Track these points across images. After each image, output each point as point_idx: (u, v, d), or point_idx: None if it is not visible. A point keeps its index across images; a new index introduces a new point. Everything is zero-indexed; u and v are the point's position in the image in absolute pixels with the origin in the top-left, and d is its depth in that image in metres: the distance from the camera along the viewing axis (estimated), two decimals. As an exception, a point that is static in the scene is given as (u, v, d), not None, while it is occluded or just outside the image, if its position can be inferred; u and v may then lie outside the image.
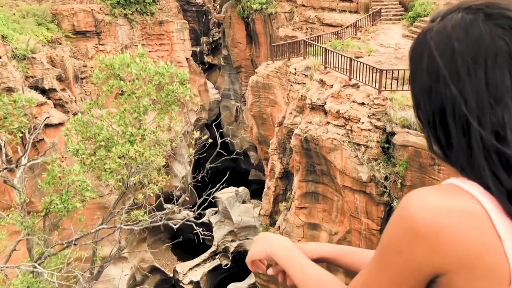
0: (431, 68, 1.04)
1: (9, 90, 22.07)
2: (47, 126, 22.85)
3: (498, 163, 0.96)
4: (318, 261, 1.51)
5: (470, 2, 1.05)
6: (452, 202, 0.95)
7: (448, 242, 0.93)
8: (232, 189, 33.20)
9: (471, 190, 0.97)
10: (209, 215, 33.77)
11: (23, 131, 7.50)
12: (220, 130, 9.27)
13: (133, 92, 6.63)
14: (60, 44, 30.30)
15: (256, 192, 36.39)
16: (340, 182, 16.49)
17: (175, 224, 6.95)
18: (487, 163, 0.96)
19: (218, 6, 51.39)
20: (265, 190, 23.87)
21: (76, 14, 31.66)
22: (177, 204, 7.92)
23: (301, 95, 18.52)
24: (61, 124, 24.15)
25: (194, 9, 47.13)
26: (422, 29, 1.13)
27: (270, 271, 1.50)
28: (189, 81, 7.86)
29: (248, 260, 1.51)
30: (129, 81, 6.78)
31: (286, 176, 22.41)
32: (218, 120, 32.47)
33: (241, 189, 34.20)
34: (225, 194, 32.65)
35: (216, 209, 34.08)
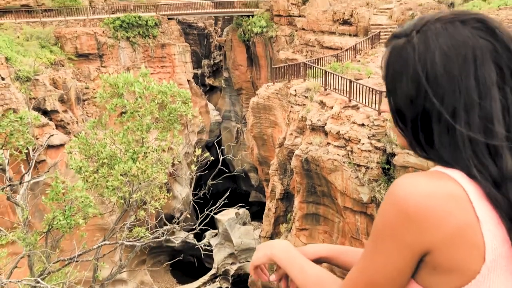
0: (417, 78, 1.11)
1: (12, 111, 22.23)
2: (49, 147, 22.94)
3: (486, 152, 1.06)
4: (318, 261, 1.57)
5: (437, 15, 1.14)
6: (438, 187, 1.04)
7: (435, 222, 1.02)
8: (232, 210, 33.05)
9: (455, 176, 1.06)
10: (209, 237, 33.52)
11: (28, 148, 7.58)
12: (222, 147, 9.31)
13: (136, 110, 6.72)
14: (63, 66, 30.64)
15: (257, 214, 36.20)
16: (341, 203, 16.45)
17: (176, 241, 6.96)
18: (475, 155, 1.06)
19: (219, 30, 52.18)
20: (265, 211, 23.78)
21: (79, 37, 32.11)
22: (178, 223, 7.92)
23: (302, 116, 18.64)
24: (62, 145, 24.23)
25: (195, 32, 47.82)
26: (391, 44, 1.20)
27: (273, 277, 1.56)
28: (192, 95, 8.00)
29: (251, 266, 1.56)
30: (132, 100, 6.89)
31: (287, 197, 22.36)
32: (219, 141, 32.58)
33: (242, 210, 34.03)
34: (226, 216, 32.48)
35: (216, 231, 33.84)
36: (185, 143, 33.77)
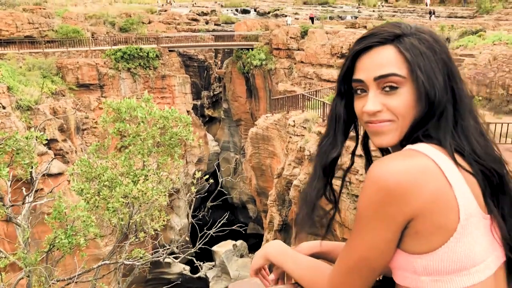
0: (447, 65, 1.32)
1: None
2: (47, 175, 22.87)
3: (459, 131, 1.27)
4: (313, 257, 1.62)
5: (400, 31, 1.31)
6: (411, 162, 1.18)
7: (414, 193, 1.15)
8: (229, 242, 32.68)
9: (424, 150, 1.21)
10: (206, 270, 33.00)
11: (32, 167, 7.67)
12: (220, 173, 9.35)
13: (138, 134, 6.83)
14: (64, 96, 30.94)
15: (255, 246, 35.77)
16: (339, 234, 16.33)
17: (176, 258, 6.91)
18: (452, 133, 1.26)
19: (219, 62, 52.94)
20: (263, 243, 23.53)
21: (81, 67, 32.55)
22: (177, 247, 7.89)
23: (300, 147, 18.73)
24: (60, 174, 24.18)
25: (196, 64, 48.51)
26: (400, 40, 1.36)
27: (272, 277, 1.62)
28: (191, 125, 8.13)
29: (251, 272, 1.64)
30: (135, 125, 7.01)
31: (285, 228, 22.18)
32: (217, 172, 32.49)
33: (239, 242, 33.65)
34: (223, 248, 32.09)
35: (213, 263, 33.36)
36: (184, 174, 33.73)
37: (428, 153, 1.20)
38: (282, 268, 1.55)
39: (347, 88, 1.39)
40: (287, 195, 20.38)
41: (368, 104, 1.29)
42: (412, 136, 1.29)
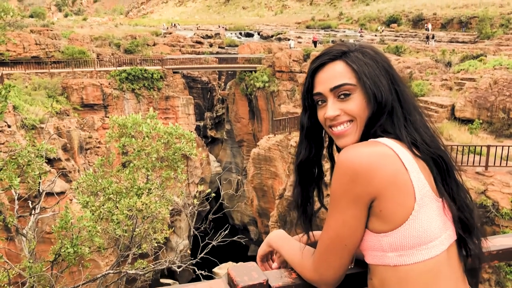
0: (389, 73, 1.57)
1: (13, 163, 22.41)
2: (48, 194, 22.93)
3: (409, 125, 1.50)
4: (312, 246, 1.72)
5: (347, 48, 1.56)
6: (373, 149, 1.40)
7: (375, 174, 1.35)
8: (231, 264, 32.46)
9: (384, 141, 1.43)
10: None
11: (41, 177, 7.84)
12: (221, 199, 9.41)
13: (143, 148, 7.01)
14: (68, 115, 31.23)
15: (256, 268, 35.41)
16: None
17: (178, 267, 6.95)
18: (405, 127, 1.48)
19: (222, 84, 53.48)
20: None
21: (86, 87, 32.96)
22: (179, 259, 7.93)
23: (302, 168, 18.76)
24: (62, 193, 24.23)
25: (199, 86, 48.98)
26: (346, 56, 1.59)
27: (275, 265, 1.74)
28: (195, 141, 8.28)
29: (257, 259, 1.79)
30: (140, 139, 7.22)
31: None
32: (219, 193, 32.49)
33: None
34: (224, 270, 31.86)
35: (213, 285, 33.02)
36: (185, 194, 33.72)
37: (387, 143, 1.42)
38: (279, 252, 1.71)
39: (311, 102, 1.62)
40: (288, 216, 20.35)
41: (328, 110, 1.53)
42: (368, 134, 1.51)
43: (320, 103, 1.58)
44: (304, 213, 1.72)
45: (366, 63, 1.51)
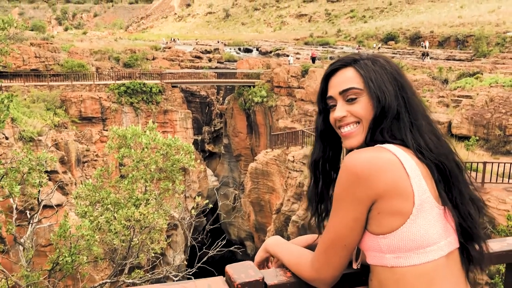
0: (397, 81, 1.64)
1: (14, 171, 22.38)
2: (45, 206, 22.84)
3: (414, 130, 1.57)
4: (309, 249, 1.75)
5: (358, 56, 1.67)
6: (376, 154, 1.46)
7: (377, 178, 1.42)
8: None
9: (389, 147, 1.49)
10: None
11: (41, 185, 7.89)
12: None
13: (142, 159, 7.08)
14: (66, 128, 31.25)
15: (252, 284, 35.13)
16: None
17: (175, 277, 6.92)
18: (410, 132, 1.55)
19: (221, 98, 53.71)
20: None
21: (84, 101, 33.05)
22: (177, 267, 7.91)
23: (299, 182, 18.81)
24: (59, 205, 24.12)
25: (198, 100, 49.16)
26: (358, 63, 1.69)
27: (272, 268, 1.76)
28: (193, 153, 8.34)
29: (255, 264, 1.76)
30: (138, 151, 7.28)
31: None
32: (216, 207, 32.37)
33: (237, 279, 33.05)
34: (220, 285, 31.56)
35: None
36: (182, 208, 33.59)
37: (391, 149, 1.48)
38: (276, 256, 1.75)
39: (324, 105, 1.75)
40: (285, 231, 20.29)
41: (336, 111, 1.65)
42: (374, 137, 1.58)
43: (332, 106, 1.69)
44: (317, 211, 1.77)
45: (374, 70, 1.61)
